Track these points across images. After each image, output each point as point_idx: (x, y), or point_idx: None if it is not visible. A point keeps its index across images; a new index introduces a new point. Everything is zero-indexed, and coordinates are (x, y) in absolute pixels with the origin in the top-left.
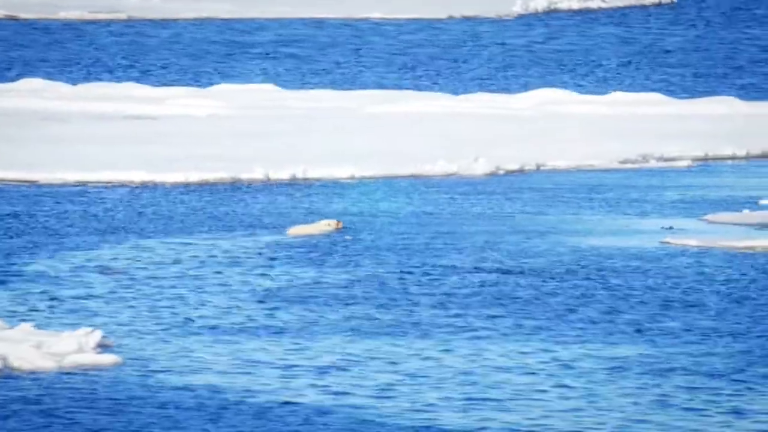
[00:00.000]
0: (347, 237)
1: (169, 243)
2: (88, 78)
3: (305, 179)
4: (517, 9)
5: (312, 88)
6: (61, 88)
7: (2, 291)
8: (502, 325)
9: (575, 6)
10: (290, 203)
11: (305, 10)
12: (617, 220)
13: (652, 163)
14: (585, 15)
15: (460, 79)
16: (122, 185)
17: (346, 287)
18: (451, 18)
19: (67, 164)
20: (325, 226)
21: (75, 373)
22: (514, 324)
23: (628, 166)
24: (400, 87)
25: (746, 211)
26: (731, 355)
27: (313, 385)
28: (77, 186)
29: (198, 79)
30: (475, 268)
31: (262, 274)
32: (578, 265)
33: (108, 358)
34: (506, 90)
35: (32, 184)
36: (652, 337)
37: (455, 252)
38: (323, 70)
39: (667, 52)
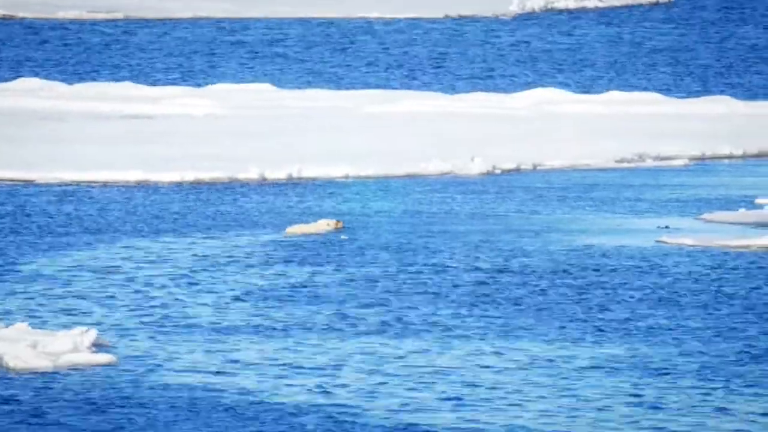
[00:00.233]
0: (342, 237)
1: (166, 242)
2: (85, 77)
3: (301, 178)
4: (514, 8)
5: (308, 88)
6: (59, 87)
7: None
8: (495, 324)
9: (571, 5)
10: (286, 202)
11: (303, 9)
12: (613, 220)
13: (648, 163)
14: (581, 14)
15: (456, 78)
16: (119, 185)
17: (339, 286)
18: (447, 17)
19: (65, 164)
20: (324, 225)
21: (70, 373)
22: (507, 323)
23: (624, 165)
24: (396, 86)
25: (743, 210)
26: (725, 354)
27: (304, 385)
28: (74, 185)
29: (195, 78)
30: (470, 267)
31: (257, 274)
32: (572, 264)
33: (103, 358)
34: (502, 89)
35: (29, 183)
36: (644, 336)
37: (449, 251)
38: (320, 69)
39: (663, 51)
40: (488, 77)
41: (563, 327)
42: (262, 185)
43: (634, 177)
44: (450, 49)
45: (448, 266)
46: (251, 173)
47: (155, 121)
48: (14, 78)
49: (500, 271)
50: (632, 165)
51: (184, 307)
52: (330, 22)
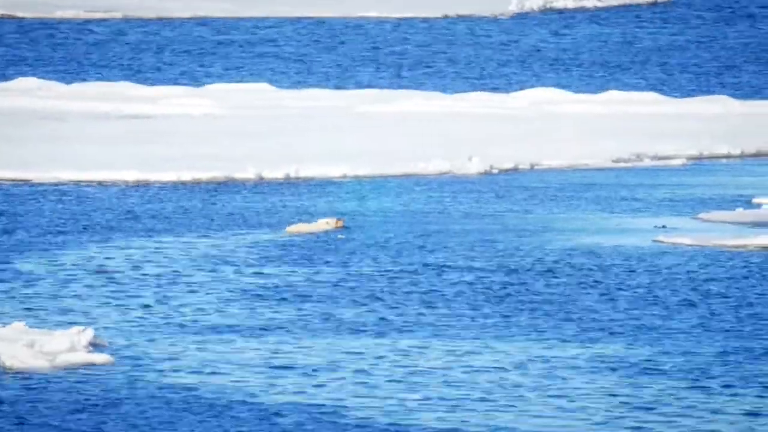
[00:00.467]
0: (339, 236)
1: (163, 242)
2: (84, 77)
3: (299, 178)
4: (513, 8)
5: (307, 88)
6: (57, 87)
7: None
8: (491, 322)
9: (570, 5)
10: (284, 202)
11: (301, 9)
12: (610, 219)
13: (647, 162)
14: (579, 14)
15: (455, 78)
16: (117, 184)
17: (335, 285)
18: (446, 17)
19: (63, 163)
20: (324, 224)
21: (67, 372)
22: (503, 322)
23: (623, 165)
24: (395, 86)
25: (740, 210)
26: (722, 353)
27: (299, 384)
28: (73, 185)
29: (193, 78)
30: (466, 266)
31: (255, 273)
32: (569, 263)
33: (100, 357)
34: (501, 89)
35: (27, 183)
36: (641, 335)
37: (446, 250)
38: (318, 69)
39: (662, 51)
40: (487, 77)
41: (560, 326)
42: (260, 185)
43: (633, 177)
44: (449, 48)
45: (445, 265)
46: (249, 173)
47: (154, 121)
48: (13, 77)
49: (497, 271)
50: (631, 165)
51: (182, 306)
52: (329, 22)
